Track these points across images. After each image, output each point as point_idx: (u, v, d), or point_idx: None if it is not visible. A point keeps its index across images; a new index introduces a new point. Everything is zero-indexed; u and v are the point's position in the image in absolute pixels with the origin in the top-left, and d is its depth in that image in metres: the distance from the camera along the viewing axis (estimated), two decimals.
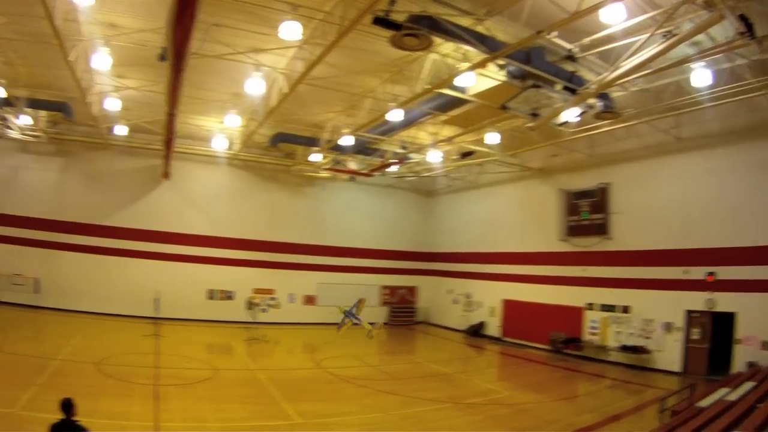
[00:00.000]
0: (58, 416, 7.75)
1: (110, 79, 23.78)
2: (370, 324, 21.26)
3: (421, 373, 22.25)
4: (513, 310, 32.48)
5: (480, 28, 14.98)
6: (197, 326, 31.14)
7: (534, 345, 29.84)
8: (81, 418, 7.89)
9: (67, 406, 7.82)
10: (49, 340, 24.10)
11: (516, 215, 33.34)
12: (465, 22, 14.77)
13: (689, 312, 22.97)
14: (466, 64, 16.58)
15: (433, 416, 15.51)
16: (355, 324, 20.78)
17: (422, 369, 23.39)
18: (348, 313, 20.95)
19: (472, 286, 36.19)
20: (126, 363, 20.02)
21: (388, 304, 39.22)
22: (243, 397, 16.91)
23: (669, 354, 23.41)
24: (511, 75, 16.81)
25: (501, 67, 16.72)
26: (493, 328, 33.51)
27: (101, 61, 19.51)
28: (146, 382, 16.97)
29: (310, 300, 36.19)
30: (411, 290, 40.36)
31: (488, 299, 34.29)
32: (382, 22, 13.41)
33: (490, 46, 14.73)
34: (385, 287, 39.24)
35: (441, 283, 39.67)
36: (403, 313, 39.36)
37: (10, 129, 29.07)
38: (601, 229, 27.28)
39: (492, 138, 24.48)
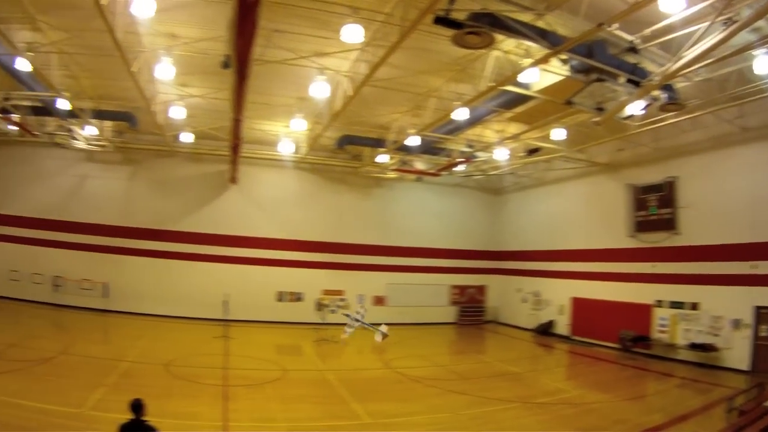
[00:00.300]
0: (127, 416, 8.00)
1: (174, 88, 24.44)
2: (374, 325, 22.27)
3: (490, 372, 22.25)
4: (581, 308, 32.12)
5: (541, 23, 15.02)
6: (266, 328, 31.83)
7: (603, 343, 29.46)
8: (150, 418, 8.11)
9: (137, 406, 8.02)
10: (117, 343, 24.96)
11: (583, 212, 32.96)
12: (525, 17, 14.81)
13: (758, 308, 22.40)
14: (529, 60, 16.63)
15: (501, 416, 15.51)
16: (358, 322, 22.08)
17: (491, 368, 23.38)
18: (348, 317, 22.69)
19: (541, 284, 35.90)
20: (195, 364, 20.64)
21: (457, 304, 39.16)
22: (312, 398, 17.16)
23: (737, 352, 22.90)
24: (574, 69, 16.70)
25: (564, 61, 16.61)
26: (562, 326, 33.23)
27: (164, 70, 20.07)
28: (215, 383, 17.39)
29: (379, 301, 36.45)
30: (480, 289, 40.18)
31: (557, 297, 33.97)
32: (443, 21, 13.57)
33: (551, 41, 14.74)
34: (455, 287, 39.13)
35: (510, 281, 39.33)
36: (472, 313, 39.24)
37: (76, 140, 30.34)
38: (669, 224, 26.82)
39: (558, 134, 24.38)
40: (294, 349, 27.39)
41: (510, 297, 39.13)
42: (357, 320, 27.77)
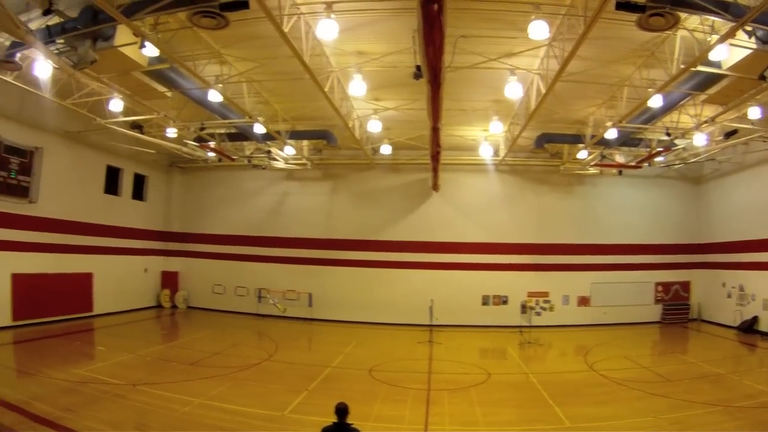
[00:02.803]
0: (327, 420, 8.68)
1: (368, 103, 26.71)
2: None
3: (692, 373, 21.85)
4: None
5: None
6: (471, 332, 33.30)
7: None
8: (353, 422, 8.66)
9: (341, 410, 8.57)
10: (322, 350, 27.62)
11: None
12: None
13: None
14: (715, 37, 16.39)
15: (701, 420, 15.36)
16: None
17: (694, 369, 22.90)
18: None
19: (745, 277, 33.90)
20: (399, 369, 22.37)
21: (662, 302, 38.17)
22: (514, 401, 18.06)
23: None
24: (761, 41, 16.52)
25: (749, 33, 16.44)
26: (767, 322, 31.45)
27: (357, 87, 22.14)
28: (419, 387, 18.77)
29: (584, 301, 36.88)
30: (684, 285, 38.79)
31: (762, 291, 32.04)
32: (625, 6, 14.15)
33: (734, 13, 14.53)
34: (659, 284, 38.16)
35: (714, 276, 37.46)
36: (676, 310, 38.02)
37: (276, 160, 34.18)
38: None
39: (754, 112, 23.53)
40: (498, 353, 28.72)
41: (714, 292, 37.27)
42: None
